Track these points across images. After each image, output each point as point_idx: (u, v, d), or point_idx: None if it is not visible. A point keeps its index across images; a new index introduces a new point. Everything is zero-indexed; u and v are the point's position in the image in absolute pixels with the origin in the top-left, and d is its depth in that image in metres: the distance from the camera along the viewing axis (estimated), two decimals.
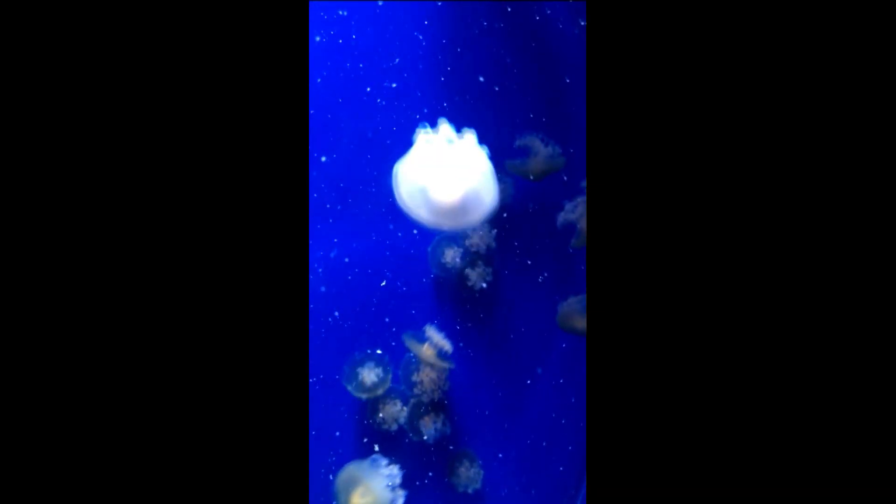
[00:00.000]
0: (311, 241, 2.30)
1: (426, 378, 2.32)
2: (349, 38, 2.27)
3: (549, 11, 2.37)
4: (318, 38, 2.25)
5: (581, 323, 2.30)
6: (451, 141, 1.96)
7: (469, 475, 2.37)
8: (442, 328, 2.31)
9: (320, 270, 2.32)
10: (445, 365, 2.27)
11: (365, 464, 2.16)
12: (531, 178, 2.34)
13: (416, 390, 2.34)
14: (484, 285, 2.37)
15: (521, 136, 2.30)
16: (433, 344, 2.24)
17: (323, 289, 2.33)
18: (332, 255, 2.34)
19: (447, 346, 2.24)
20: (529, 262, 2.43)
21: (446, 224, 2.08)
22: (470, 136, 1.98)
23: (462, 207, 2.01)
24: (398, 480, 2.14)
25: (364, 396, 2.31)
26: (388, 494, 2.11)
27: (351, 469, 2.16)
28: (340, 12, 2.25)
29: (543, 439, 2.46)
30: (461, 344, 2.41)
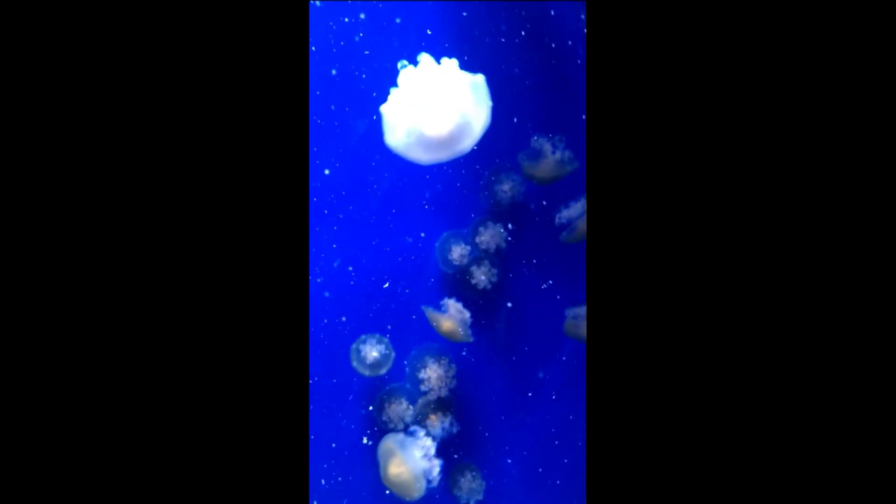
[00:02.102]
0: (313, 249, 2.30)
1: (433, 375, 2.30)
2: (356, 48, 2.28)
3: (570, 42, 2.37)
4: (333, 72, 2.26)
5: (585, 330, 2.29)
6: (433, 72, 1.97)
7: (472, 486, 2.34)
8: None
9: (319, 280, 2.32)
10: (466, 335, 2.26)
11: (401, 435, 2.20)
12: (536, 182, 2.33)
13: (422, 387, 2.32)
14: (489, 286, 2.35)
15: (534, 138, 2.29)
16: (452, 315, 2.23)
17: (327, 294, 2.34)
18: (335, 264, 2.33)
19: (467, 315, 2.25)
20: (536, 265, 2.42)
21: (445, 155, 2.06)
22: (450, 63, 1.98)
23: (459, 134, 2.00)
24: (433, 451, 2.16)
25: (367, 373, 2.30)
26: (423, 464, 2.14)
27: (388, 441, 2.18)
28: (345, 19, 2.26)
29: (546, 447, 2.44)
30: (464, 352, 2.39)
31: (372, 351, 2.30)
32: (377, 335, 2.35)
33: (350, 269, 2.34)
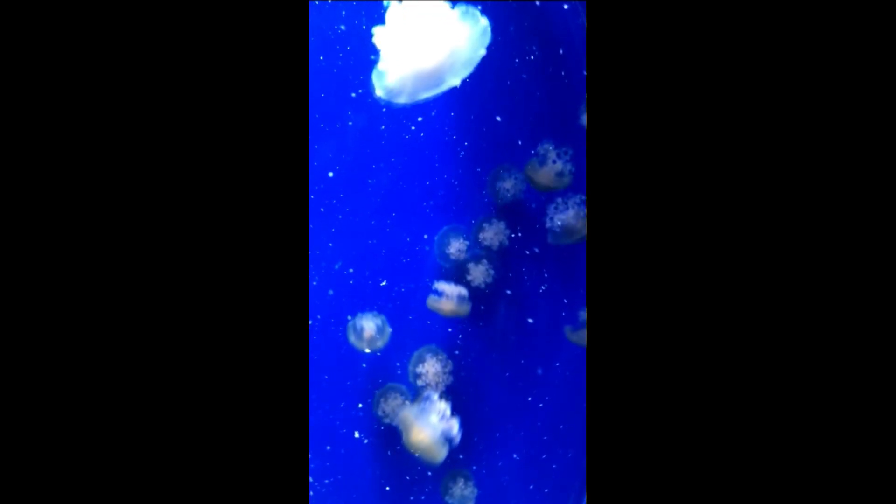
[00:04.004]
0: (312, 250, 2.30)
1: (430, 370, 2.30)
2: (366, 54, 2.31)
3: (575, 46, 2.42)
4: (353, 95, 2.27)
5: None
6: (419, 7, 1.96)
7: (464, 493, 2.32)
8: (442, 331, 2.30)
9: (315, 283, 2.32)
10: (466, 309, 2.28)
11: (415, 408, 2.23)
12: (533, 186, 2.35)
13: (418, 382, 2.32)
14: (484, 286, 2.36)
15: (541, 142, 2.31)
16: (448, 295, 2.25)
17: (331, 292, 2.34)
18: (336, 266, 2.33)
19: (463, 290, 2.27)
20: (536, 266, 2.42)
21: (434, 88, 2.05)
22: None
23: (448, 65, 2.00)
24: (448, 412, 2.19)
25: (366, 348, 2.30)
26: (441, 426, 2.18)
27: (405, 413, 2.23)
28: (363, 27, 2.29)
29: (539, 452, 2.44)
30: (457, 352, 2.38)
31: (369, 323, 2.30)
32: (374, 311, 2.35)
33: (350, 270, 2.34)
